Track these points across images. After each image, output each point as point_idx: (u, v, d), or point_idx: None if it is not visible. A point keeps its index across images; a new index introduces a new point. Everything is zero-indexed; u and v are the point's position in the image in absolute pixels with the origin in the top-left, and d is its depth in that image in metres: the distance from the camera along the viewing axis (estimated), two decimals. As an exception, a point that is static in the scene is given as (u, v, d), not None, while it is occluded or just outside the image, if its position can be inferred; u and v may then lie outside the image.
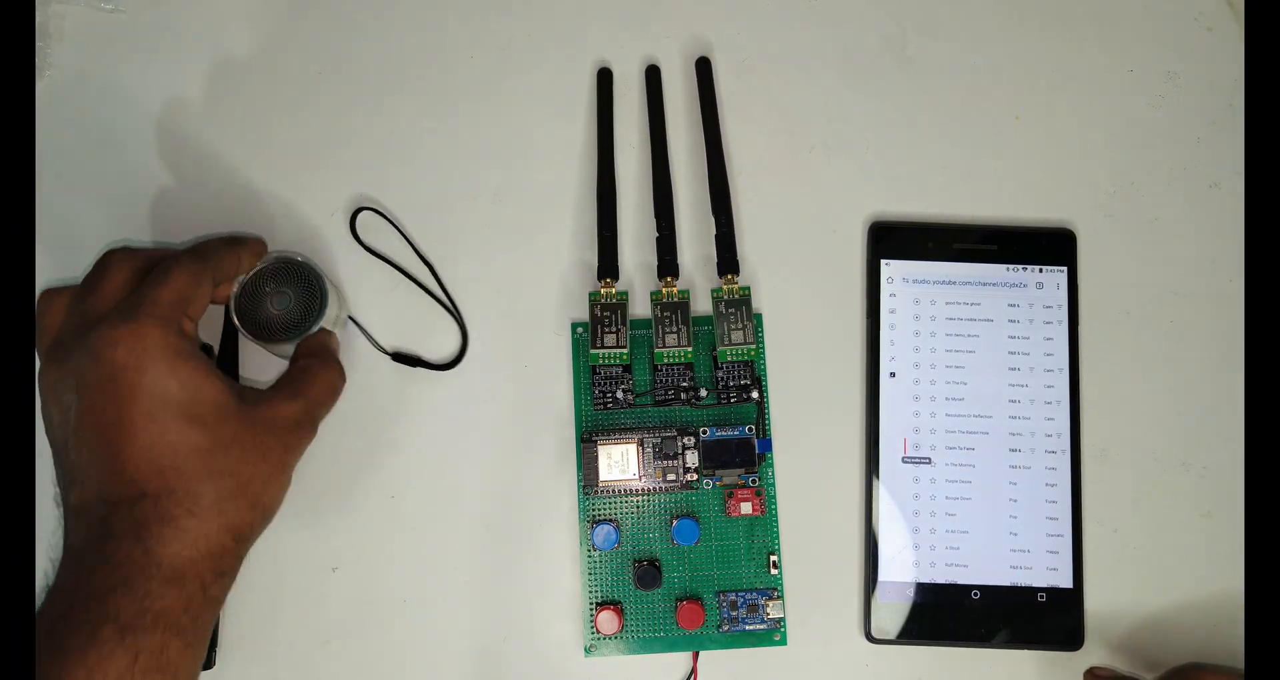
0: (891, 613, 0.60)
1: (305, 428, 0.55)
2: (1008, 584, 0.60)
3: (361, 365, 0.62)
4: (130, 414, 0.48)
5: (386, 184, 0.64)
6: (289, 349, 0.59)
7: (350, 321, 0.63)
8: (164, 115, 0.65)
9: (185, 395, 0.49)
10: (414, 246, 0.63)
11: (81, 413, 0.49)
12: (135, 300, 0.50)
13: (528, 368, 0.62)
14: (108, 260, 0.54)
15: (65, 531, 0.51)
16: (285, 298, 0.59)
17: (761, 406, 0.61)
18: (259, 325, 0.58)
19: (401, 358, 0.62)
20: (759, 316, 0.63)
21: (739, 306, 0.60)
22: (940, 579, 0.60)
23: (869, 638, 0.60)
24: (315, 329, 0.59)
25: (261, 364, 0.62)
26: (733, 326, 0.60)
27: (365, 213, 0.63)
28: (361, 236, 0.63)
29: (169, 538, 0.48)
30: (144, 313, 0.49)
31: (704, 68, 0.65)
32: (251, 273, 0.58)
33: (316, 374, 0.57)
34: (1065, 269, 0.63)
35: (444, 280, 0.63)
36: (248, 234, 0.60)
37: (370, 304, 0.63)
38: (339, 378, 0.58)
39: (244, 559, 0.53)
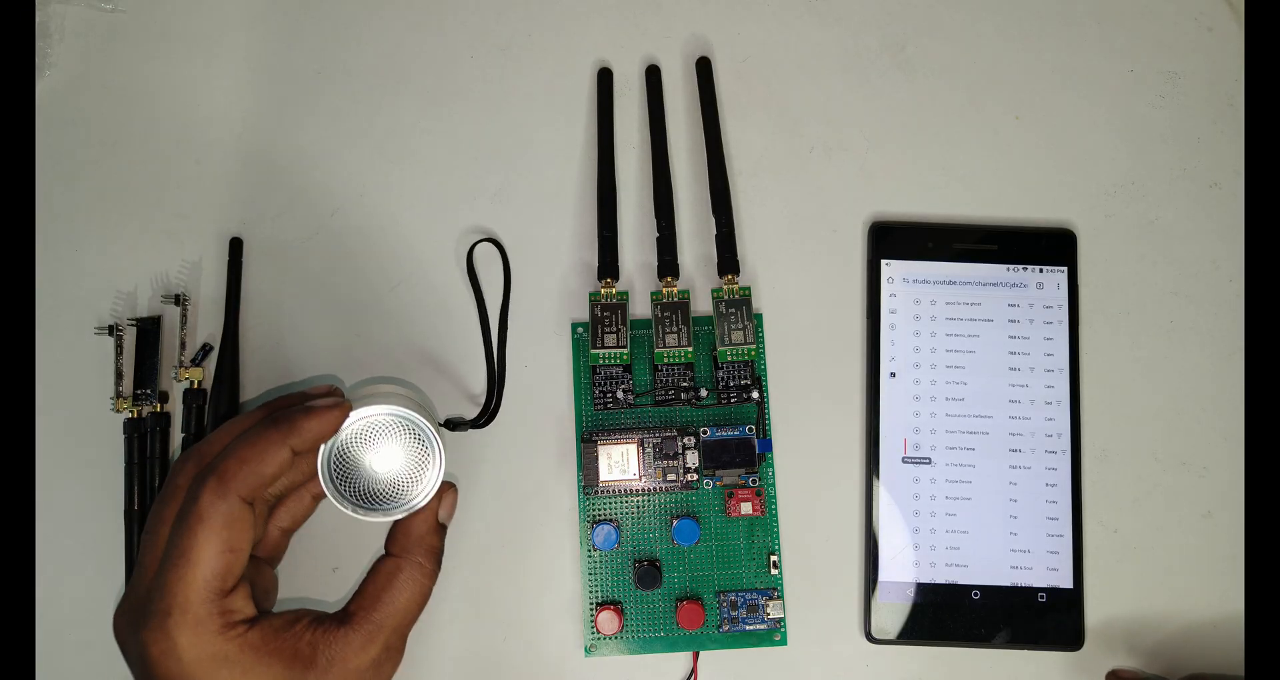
0: (892, 613, 0.60)
1: (389, 660, 0.49)
2: (1008, 584, 0.60)
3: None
4: None
5: (387, 184, 0.64)
6: (396, 516, 0.53)
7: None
8: (164, 115, 0.65)
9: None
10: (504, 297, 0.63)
11: None
12: (159, 597, 0.45)
13: (528, 368, 0.62)
14: (196, 513, 0.46)
15: None
16: (387, 457, 0.52)
17: (761, 406, 0.61)
18: (359, 495, 0.52)
19: (452, 426, 0.60)
20: (759, 316, 0.63)
21: (739, 306, 0.60)
22: (940, 579, 0.60)
23: (869, 638, 0.60)
24: (425, 498, 0.52)
25: (263, 365, 0.62)
26: (733, 326, 0.60)
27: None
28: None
29: None
30: (172, 623, 0.44)
31: (704, 68, 0.65)
32: (341, 439, 0.51)
33: (405, 585, 0.50)
34: (1065, 269, 0.63)
35: (443, 283, 0.63)
36: (322, 387, 0.56)
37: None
38: (431, 580, 0.51)
39: None
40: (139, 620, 0.45)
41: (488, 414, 0.60)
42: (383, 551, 0.53)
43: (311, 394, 0.54)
